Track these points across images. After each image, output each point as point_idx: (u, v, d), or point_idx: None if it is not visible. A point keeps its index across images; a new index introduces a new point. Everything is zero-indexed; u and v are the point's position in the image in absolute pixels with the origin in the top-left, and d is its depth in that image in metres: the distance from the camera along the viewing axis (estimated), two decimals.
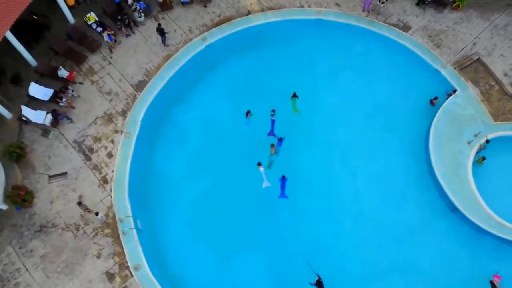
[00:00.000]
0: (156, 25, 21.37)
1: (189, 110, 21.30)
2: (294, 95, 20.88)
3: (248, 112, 20.71)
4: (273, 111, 20.45)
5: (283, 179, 19.63)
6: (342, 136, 21.12)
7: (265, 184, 19.76)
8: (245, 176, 20.02)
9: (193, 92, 21.62)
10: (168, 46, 21.61)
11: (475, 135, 19.89)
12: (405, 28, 22.63)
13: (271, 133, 20.55)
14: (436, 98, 20.88)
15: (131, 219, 18.10)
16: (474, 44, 22.33)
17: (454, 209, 19.27)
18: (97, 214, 17.71)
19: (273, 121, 20.62)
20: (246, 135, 20.73)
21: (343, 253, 19.12)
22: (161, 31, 21.14)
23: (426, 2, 22.73)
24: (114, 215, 18.40)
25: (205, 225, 19.20)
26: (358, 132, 21.13)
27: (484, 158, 19.68)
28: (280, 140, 20.33)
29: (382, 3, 22.30)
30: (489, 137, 19.72)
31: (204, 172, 20.21)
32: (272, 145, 20.27)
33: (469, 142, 19.87)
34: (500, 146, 20.04)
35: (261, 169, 19.80)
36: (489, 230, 18.54)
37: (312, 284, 17.22)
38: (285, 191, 19.66)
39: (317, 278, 17.27)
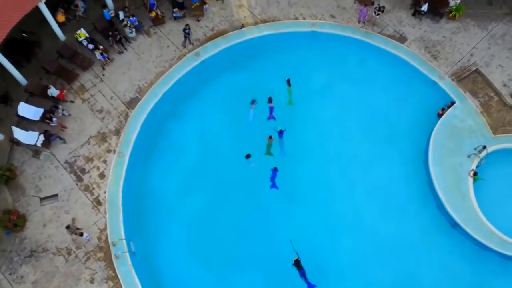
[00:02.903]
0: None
1: (183, 127, 20.86)
2: (288, 82, 21.24)
3: (253, 101, 20.76)
4: (270, 99, 20.99)
5: (275, 170, 19.63)
6: (340, 149, 20.70)
7: (251, 164, 20.07)
8: (242, 193, 19.61)
9: (187, 108, 21.21)
10: (193, 44, 21.78)
11: (475, 149, 19.50)
12: (402, 39, 22.29)
13: (271, 116, 20.80)
14: (443, 109, 20.50)
15: (124, 242, 17.63)
16: (472, 54, 22.00)
17: (455, 224, 18.85)
18: (81, 235, 17.26)
19: (271, 108, 20.94)
20: (244, 148, 20.33)
21: (343, 269, 18.63)
22: (186, 33, 21.23)
23: (422, 12, 22.41)
24: (107, 238, 17.92)
25: (202, 246, 18.68)
26: (356, 145, 20.74)
27: (476, 174, 19.16)
28: (281, 132, 20.20)
29: (378, 14, 21.97)
30: (489, 150, 19.36)
31: (200, 189, 19.71)
32: (270, 137, 20.11)
33: (468, 156, 19.48)
34: (501, 159, 19.68)
35: (251, 164, 20.13)
36: (491, 247, 18.12)
37: (293, 265, 17.83)
38: (275, 181, 19.72)
39: (295, 257, 17.82)
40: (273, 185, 19.83)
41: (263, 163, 20.19)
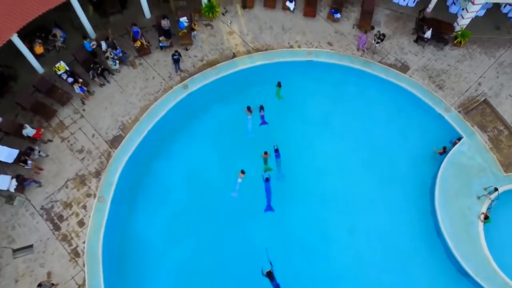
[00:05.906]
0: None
1: (170, 166, 19.35)
2: (279, 84, 20.29)
3: (249, 107, 19.70)
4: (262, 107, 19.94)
5: (267, 182, 18.35)
6: (338, 188, 19.27)
7: (234, 194, 18.68)
8: (235, 237, 18.15)
9: (174, 145, 19.71)
10: (182, 71, 20.52)
11: (485, 189, 18.04)
12: (404, 68, 20.86)
13: (263, 122, 19.85)
14: (444, 148, 19.01)
15: None
16: (479, 84, 20.57)
17: (465, 273, 17.37)
18: None
19: (262, 116, 19.95)
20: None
21: None
22: (175, 60, 20.03)
23: (425, 39, 20.99)
24: None
25: None
26: (355, 184, 19.29)
27: (487, 217, 17.70)
28: (277, 151, 19.03)
29: (378, 43, 20.55)
30: (500, 190, 17.90)
31: (188, 234, 18.22)
32: (265, 153, 18.89)
33: (478, 197, 18.03)
34: None
35: (240, 180, 18.61)
36: None
37: (263, 275, 16.72)
38: (271, 202, 18.43)
39: (268, 269, 16.76)
40: (268, 208, 18.41)
41: (256, 199, 18.72)
